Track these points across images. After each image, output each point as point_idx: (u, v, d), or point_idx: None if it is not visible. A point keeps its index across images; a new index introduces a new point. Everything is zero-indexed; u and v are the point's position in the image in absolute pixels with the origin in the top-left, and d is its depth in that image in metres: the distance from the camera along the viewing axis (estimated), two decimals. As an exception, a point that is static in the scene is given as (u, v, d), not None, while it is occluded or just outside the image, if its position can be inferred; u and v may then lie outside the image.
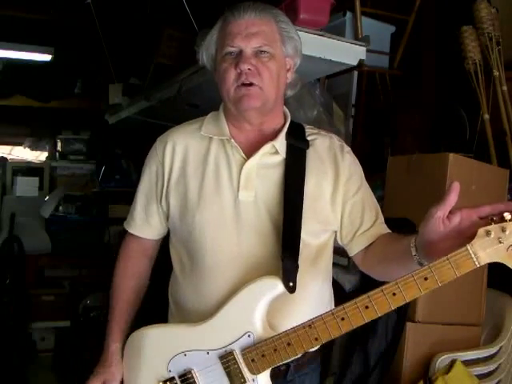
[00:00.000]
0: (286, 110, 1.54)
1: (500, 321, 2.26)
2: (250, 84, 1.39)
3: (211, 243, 1.42)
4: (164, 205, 1.51)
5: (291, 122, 1.52)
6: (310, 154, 1.47)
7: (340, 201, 1.46)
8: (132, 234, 1.59)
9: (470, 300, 2.19)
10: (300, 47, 1.49)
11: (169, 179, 1.48)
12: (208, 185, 1.44)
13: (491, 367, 2.16)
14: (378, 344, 2.05)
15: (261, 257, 1.39)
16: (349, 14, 2.83)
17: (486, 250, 1.16)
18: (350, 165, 1.49)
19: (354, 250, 1.49)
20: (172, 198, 1.48)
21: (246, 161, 1.43)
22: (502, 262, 1.17)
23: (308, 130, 1.54)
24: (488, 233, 1.15)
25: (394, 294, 1.20)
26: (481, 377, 2.11)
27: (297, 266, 1.36)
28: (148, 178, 1.54)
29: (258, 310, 1.32)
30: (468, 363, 2.10)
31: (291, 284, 1.32)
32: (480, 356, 2.17)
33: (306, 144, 1.48)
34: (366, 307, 1.22)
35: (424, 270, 1.19)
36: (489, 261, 1.17)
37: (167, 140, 1.51)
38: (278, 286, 1.32)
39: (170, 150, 1.49)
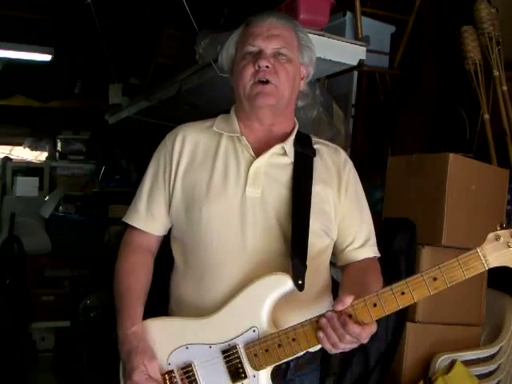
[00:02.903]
0: (295, 119, 1.58)
1: (500, 321, 2.26)
2: (267, 82, 1.42)
3: (217, 237, 1.42)
4: (170, 195, 1.49)
5: (299, 131, 1.55)
6: (317, 162, 1.49)
7: (339, 215, 1.49)
8: (135, 229, 1.54)
9: (470, 300, 2.19)
10: (314, 58, 1.56)
11: (176, 170, 1.48)
12: (216, 179, 1.44)
13: (491, 367, 2.16)
14: (378, 344, 2.05)
15: (265, 253, 1.40)
16: (349, 14, 2.82)
17: (494, 254, 1.20)
18: (352, 181, 1.53)
19: (338, 262, 1.55)
20: (178, 188, 1.48)
21: (254, 159, 1.45)
22: (509, 266, 1.21)
23: (314, 139, 1.57)
24: (497, 237, 1.20)
25: (403, 293, 1.23)
26: (481, 377, 2.11)
27: (305, 265, 1.37)
28: (155, 168, 1.53)
29: (266, 306, 1.33)
30: (468, 363, 2.10)
31: (300, 282, 1.33)
32: (480, 356, 2.17)
33: (313, 152, 1.51)
34: (374, 305, 1.24)
35: (434, 271, 1.22)
36: (497, 264, 1.21)
37: (178, 133, 1.53)
38: (287, 283, 1.33)
39: (180, 142, 1.50)
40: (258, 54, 1.43)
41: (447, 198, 2.07)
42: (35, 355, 4.59)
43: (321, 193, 1.46)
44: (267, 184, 1.44)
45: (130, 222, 1.55)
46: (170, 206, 1.50)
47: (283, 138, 1.49)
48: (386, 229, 2.14)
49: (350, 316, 1.24)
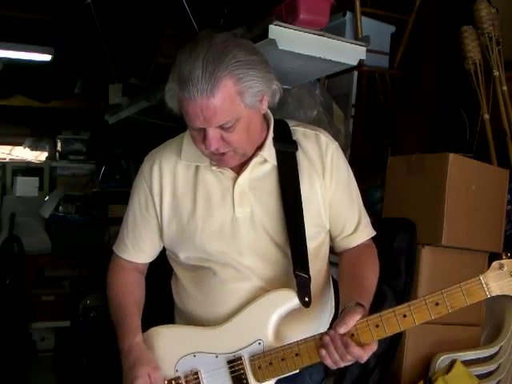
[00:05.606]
0: (267, 112, 1.47)
1: (500, 321, 2.26)
2: (222, 153, 1.36)
3: (215, 263, 1.42)
4: (158, 231, 1.49)
5: (275, 124, 1.47)
6: (300, 156, 1.45)
7: (327, 203, 1.47)
8: (122, 258, 1.57)
9: (469, 300, 2.18)
10: (266, 72, 1.34)
11: (160, 205, 1.47)
12: (202, 207, 1.43)
13: (491, 367, 2.16)
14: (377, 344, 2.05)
15: (266, 271, 1.41)
16: (349, 14, 2.82)
17: (497, 282, 1.23)
18: (336, 166, 1.47)
19: (335, 249, 1.55)
20: (167, 224, 1.47)
21: (237, 177, 1.42)
22: (511, 294, 1.23)
23: (293, 127, 1.50)
24: (501, 266, 1.23)
25: (405, 316, 1.25)
26: (481, 377, 2.11)
27: (309, 278, 1.37)
28: (138, 206, 1.51)
29: (272, 320, 1.35)
30: (468, 363, 2.10)
31: (307, 299, 1.35)
32: (480, 356, 2.17)
33: (295, 146, 1.46)
34: (377, 326, 1.26)
35: (436, 296, 1.24)
36: (499, 293, 1.23)
37: (153, 165, 1.49)
38: (293, 300, 1.34)
39: (158, 173, 1.47)
40: (204, 134, 1.32)
41: (447, 198, 2.07)
42: (35, 355, 4.59)
43: (309, 192, 1.43)
44: (255, 199, 1.41)
45: (118, 254, 1.57)
46: (160, 240, 1.50)
47: (260, 145, 1.44)
48: (385, 229, 2.14)
49: (352, 335, 1.25)
